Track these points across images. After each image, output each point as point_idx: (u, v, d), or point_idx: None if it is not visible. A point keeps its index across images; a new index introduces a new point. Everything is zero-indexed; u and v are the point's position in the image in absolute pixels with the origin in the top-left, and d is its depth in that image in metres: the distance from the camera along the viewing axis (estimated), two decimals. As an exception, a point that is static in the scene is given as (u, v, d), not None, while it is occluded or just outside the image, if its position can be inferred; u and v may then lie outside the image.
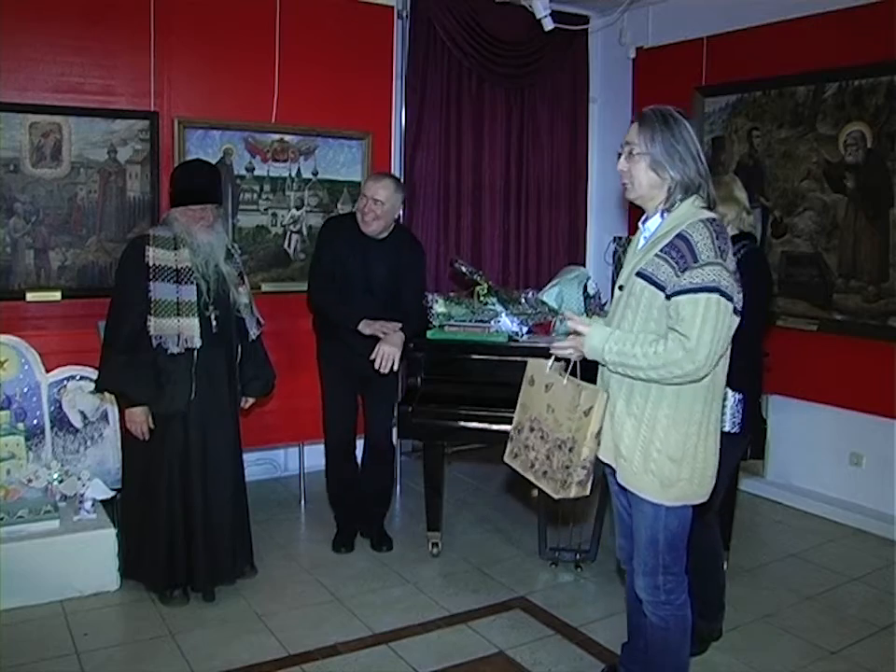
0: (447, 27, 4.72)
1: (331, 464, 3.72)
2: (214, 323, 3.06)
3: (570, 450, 2.16)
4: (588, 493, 2.26)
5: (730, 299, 2.03)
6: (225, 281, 3.11)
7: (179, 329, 2.97)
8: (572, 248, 5.40)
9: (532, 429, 2.30)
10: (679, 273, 2.03)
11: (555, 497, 2.21)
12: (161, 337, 2.96)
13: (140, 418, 3.01)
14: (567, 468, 2.17)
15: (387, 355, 3.37)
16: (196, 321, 3.00)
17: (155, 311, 2.95)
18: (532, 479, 2.31)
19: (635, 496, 2.19)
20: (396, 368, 3.41)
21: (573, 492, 2.20)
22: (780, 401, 4.31)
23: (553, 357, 2.29)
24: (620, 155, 2.20)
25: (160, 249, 2.99)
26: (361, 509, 3.76)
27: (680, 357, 2.00)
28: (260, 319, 3.30)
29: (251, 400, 3.37)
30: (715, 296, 2.00)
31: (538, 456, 2.27)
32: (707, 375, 2.06)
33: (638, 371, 2.07)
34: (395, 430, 3.72)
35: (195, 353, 3.02)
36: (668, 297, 2.05)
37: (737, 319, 2.09)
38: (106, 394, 3.48)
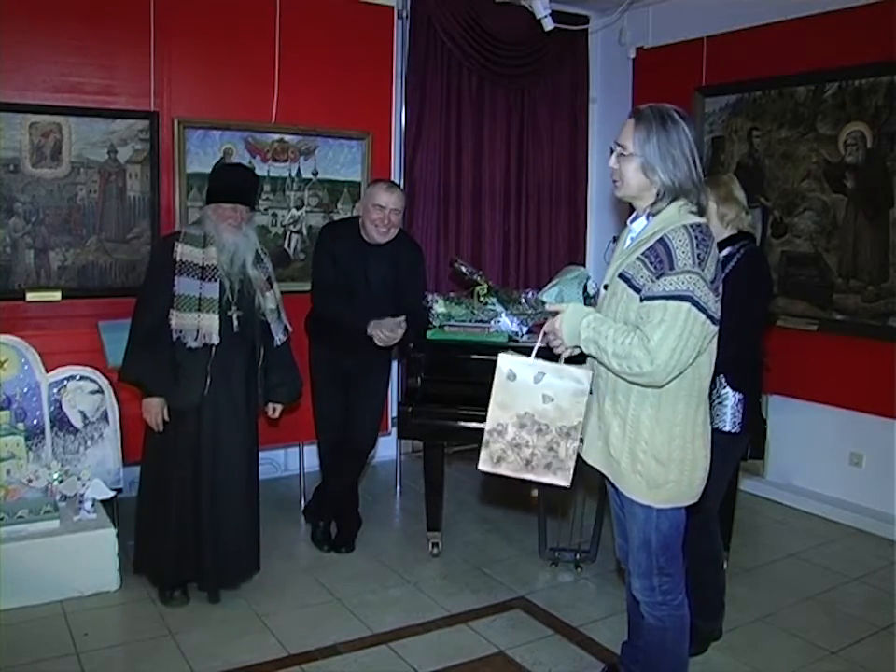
0: (447, 27, 4.73)
1: (328, 465, 3.72)
2: (235, 323, 3.08)
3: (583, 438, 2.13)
4: None
5: (703, 309, 1.98)
6: (251, 284, 3.12)
7: (199, 325, 3.00)
8: (572, 248, 5.40)
9: (523, 426, 2.19)
10: (654, 279, 2.01)
11: (568, 485, 2.15)
12: (180, 331, 2.99)
13: (155, 408, 3.03)
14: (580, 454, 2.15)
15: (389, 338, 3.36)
16: (216, 318, 3.02)
17: (177, 305, 2.99)
18: (532, 477, 2.19)
19: (626, 498, 2.18)
20: (398, 340, 3.40)
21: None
22: (780, 401, 4.31)
23: (535, 348, 2.17)
24: (612, 151, 2.16)
25: (188, 246, 3.03)
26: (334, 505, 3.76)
27: (641, 354, 1.97)
28: (288, 326, 3.30)
29: (279, 408, 3.33)
30: (686, 304, 1.97)
31: (535, 451, 2.21)
32: (666, 383, 2.02)
33: (603, 354, 2.04)
34: (378, 429, 3.73)
35: (213, 349, 3.03)
36: (642, 300, 2.04)
37: (714, 328, 2.05)
38: (112, 394, 3.56)
